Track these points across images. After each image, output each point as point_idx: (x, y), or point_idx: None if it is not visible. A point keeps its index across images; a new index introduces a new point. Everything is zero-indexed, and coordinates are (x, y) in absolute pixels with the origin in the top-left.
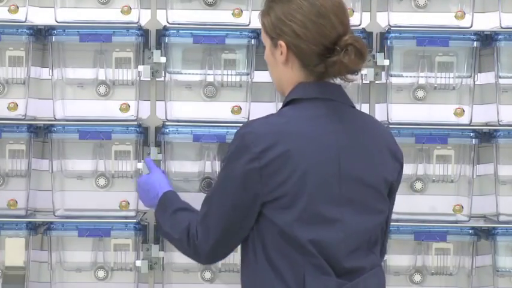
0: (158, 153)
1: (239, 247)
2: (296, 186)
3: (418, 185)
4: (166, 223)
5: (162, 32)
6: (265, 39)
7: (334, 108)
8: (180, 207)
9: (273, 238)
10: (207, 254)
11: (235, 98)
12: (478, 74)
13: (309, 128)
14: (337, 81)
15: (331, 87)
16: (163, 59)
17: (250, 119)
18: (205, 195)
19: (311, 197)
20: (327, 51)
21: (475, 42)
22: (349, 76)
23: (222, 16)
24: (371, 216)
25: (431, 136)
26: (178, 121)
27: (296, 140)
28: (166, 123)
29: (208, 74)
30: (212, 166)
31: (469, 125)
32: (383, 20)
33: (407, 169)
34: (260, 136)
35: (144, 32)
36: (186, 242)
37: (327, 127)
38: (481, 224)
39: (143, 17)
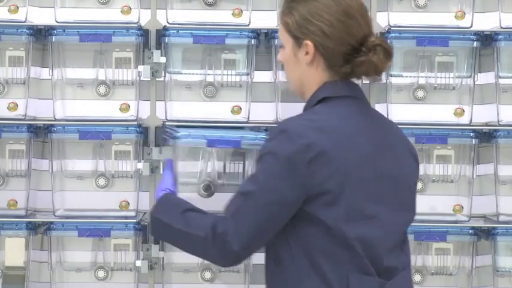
0: (159, 154)
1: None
2: (339, 183)
3: (418, 185)
4: (177, 221)
5: (162, 32)
6: (286, 39)
7: (361, 106)
8: (190, 208)
9: (317, 236)
10: (237, 253)
11: (235, 98)
12: (478, 74)
13: (345, 125)
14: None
15: (356, 86)
16: (163, 59)
17: (250, 119)
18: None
19: (353, 194)
20: (354, 52)
21: (475, 42)
22: (377, 76)
23: (222, 16)
24: (403, 214)
25: (431, 136)
26: (178, 121)
27: (336, 136)
28: (166, 123)
29: (208, 74)
30: (213, 168)
31: (469, 125)
32: (383, 20)
33: None
34: (303, 131)
35: (144, 32)
36: (211, 241)
37: (359, 125)
38: (481, 224)
39: (143, 17)
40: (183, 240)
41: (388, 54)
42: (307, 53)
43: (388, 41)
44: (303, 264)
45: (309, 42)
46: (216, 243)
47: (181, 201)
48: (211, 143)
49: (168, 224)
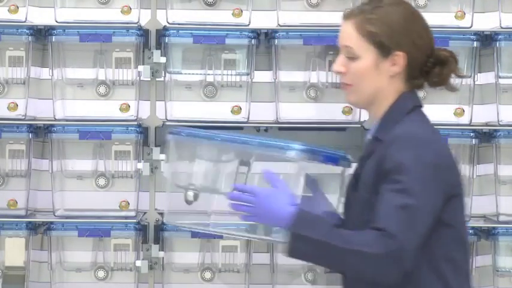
0: (160, 153)
1: None
2: (462, 185)
3: None
4: (333, 238)
5: (162, 32)
6: (364, 48)
7: None
8: (333, 224)
9: (443, 242)
10: (411, 253)
11: (235, 98)
12: (478, 74)
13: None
14: None
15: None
16: (163, 59)
17: (250, 119)
18: None
19: (463, 197)
20: (425, 63)
21: (475, 42)
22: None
23: (222, 16)
24: None
25: None
26: (178, 121)
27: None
28: (166, 123)
29: (208, 74)
30: None
31: (469, 125)
32: None
33: None
34: (432, 136)
35: (144, 32)
36: (384, 250)
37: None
38: (481, 224)
39: (143, 17)
40: (344, 259)
41: (456, 64)
42: (394, 64)
43: None
44: (428, 273)
45: (400, 53)
46: (388, 252)
47: (319, 216)
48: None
49: (322, 242)
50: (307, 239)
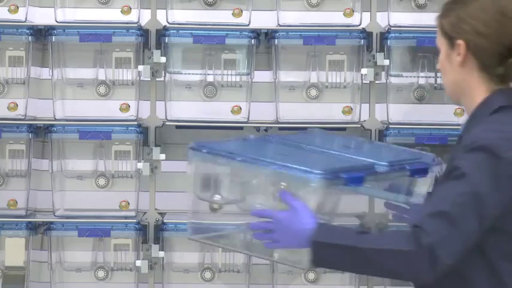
0: (160, 153)
1: None
2: None
3: None
4: (360, 242)
5: (162, 32)
6: (441, 42)
7: None
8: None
9: (503, 251)
10: (448, 249)
11: (235, 98)
12: None
13: None
14: None
15: None
16: (163, 59)
17: (250, 119)
18: None
19: None
20: (508, 52)
21: None
22: None
23: (222, 16)
24: None
25: (431, 136)
26: (178, 121)
27: None
28: (166, 123)
29: (208, 74)
30: None
31: None
32: (383, 20)
33: None
34: (502, 143)
35: (144, 32)
36: (414, 246)
37: None
38: None
39: (143, 17)
40: (372, 260)
41: None
42: (459, 54)
43: (388, 41)
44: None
45: (461, 42)
46: (421, 256)
47: (341, 225)
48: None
49: (349, 247)
50: (331, 245)
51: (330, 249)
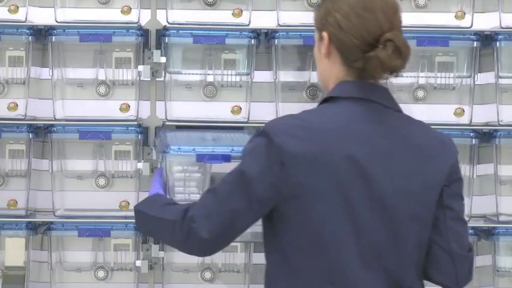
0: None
1: None
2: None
3: None
4: (156, 210)
5: (162, 32)
6: (315, 35)
7: (372, 109)
8: (174, 203)
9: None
10: (205, 241)
11: (235, 98)
12: (478, 74)
13: (336, 127)
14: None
15: (374, 88)
16: (163, 59)
17: (250, 119)
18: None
19: None
20: (369, 48)
21: (475, 42)
22: (387, 74)
23: (222, 16)
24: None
25: None
26: (178, 121)
27: (321, 137)
28: (166, 123)
29: (208, 74)
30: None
31: (469, 125)
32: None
33: None
34: (287, 128)
35: (144, 32)
36: (180, 220)
37: (360, 126)
38: (481, 224)
39: (143, 17)
40: (157, 227)
41: (398, 51)
42: (324, 46)
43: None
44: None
45: (324, 34)
46: (184, 227)
47: (170, 199)
48: (200, 157)
49: (145, 214)
50: (139, 212)
51: (138, 216)
